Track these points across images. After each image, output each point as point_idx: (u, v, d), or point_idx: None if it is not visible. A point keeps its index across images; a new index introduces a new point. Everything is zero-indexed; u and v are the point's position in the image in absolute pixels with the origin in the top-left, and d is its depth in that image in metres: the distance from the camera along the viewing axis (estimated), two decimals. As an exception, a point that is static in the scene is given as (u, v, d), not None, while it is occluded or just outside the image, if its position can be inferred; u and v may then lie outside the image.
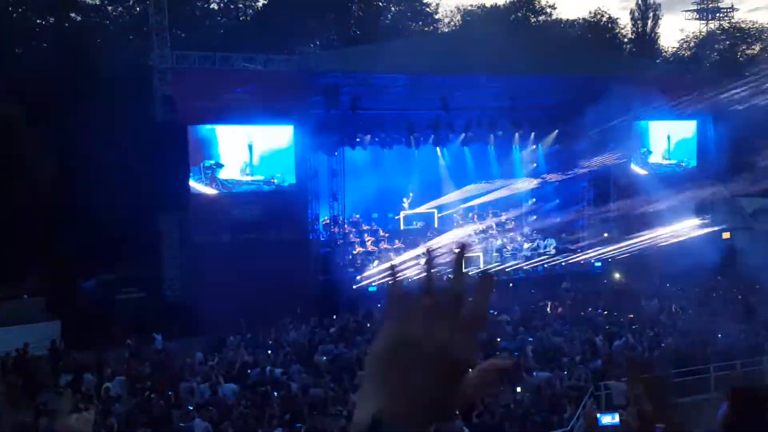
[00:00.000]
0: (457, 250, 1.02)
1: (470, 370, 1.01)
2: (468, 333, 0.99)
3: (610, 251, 27.32)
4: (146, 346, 19.34)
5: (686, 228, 27.21)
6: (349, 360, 17.17)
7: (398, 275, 1.07)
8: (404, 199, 28.86)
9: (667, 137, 29.50)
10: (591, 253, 27.60)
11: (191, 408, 13.03)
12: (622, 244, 26.90)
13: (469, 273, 1.02)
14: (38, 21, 34.24)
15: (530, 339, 18.43)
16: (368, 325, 20.17)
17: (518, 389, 14.46)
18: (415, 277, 1.04)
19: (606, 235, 28.29)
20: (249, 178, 23.22)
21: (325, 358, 17.42)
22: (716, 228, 28.58)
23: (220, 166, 22.90)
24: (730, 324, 19.84)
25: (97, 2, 35.53)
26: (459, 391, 0.99)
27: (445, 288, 1.00)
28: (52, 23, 33.86)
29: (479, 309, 1.01)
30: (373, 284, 24.07)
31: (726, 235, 29.41)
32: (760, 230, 28.36)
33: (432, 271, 1.02)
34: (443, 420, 1.00)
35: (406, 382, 0.96)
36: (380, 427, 0.93)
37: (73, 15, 34.60)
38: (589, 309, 22.06)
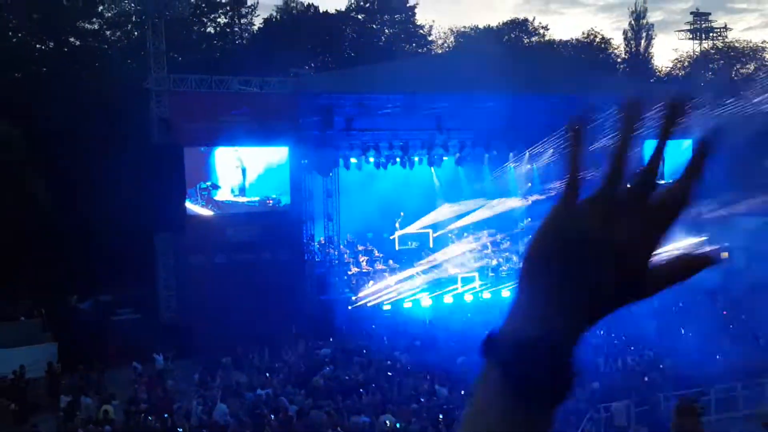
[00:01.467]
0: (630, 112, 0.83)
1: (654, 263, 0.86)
2: (658, 228, 0.86)
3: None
4: (146, 366, 19.31)
5: (683, 247, 27.12)
6: (346, 382, 17.12)
7: (581, 138, 0.87)
8: (396, 220, 28.86)
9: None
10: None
11: (180, 430, 12.97)
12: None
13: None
14: (38, 46, 34.52)
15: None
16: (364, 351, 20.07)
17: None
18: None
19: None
20: (245, 200, 23.30)
21: (323, 381, 17.36)
22: (714, 247, 28.47)
23: (217, 187, 23.00)
24: (730, 344, 19.71)
25: (96, 27, 35.85)
26: (637, 287, 0.85)
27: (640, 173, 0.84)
28: (51, 48, 34.13)
29: (680, 196, 0.85)
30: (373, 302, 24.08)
31: (724, 254, 29.37)
32: (759, 250, 28.30)
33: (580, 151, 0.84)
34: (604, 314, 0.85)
35: (575, 283, 0.82)
36: (539, 340, 0.79)
37: (72, 39, 34.90)
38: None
